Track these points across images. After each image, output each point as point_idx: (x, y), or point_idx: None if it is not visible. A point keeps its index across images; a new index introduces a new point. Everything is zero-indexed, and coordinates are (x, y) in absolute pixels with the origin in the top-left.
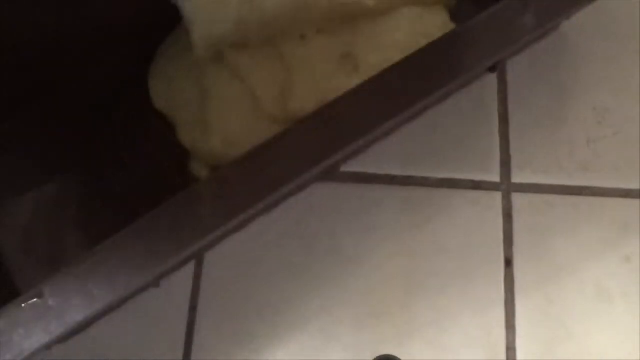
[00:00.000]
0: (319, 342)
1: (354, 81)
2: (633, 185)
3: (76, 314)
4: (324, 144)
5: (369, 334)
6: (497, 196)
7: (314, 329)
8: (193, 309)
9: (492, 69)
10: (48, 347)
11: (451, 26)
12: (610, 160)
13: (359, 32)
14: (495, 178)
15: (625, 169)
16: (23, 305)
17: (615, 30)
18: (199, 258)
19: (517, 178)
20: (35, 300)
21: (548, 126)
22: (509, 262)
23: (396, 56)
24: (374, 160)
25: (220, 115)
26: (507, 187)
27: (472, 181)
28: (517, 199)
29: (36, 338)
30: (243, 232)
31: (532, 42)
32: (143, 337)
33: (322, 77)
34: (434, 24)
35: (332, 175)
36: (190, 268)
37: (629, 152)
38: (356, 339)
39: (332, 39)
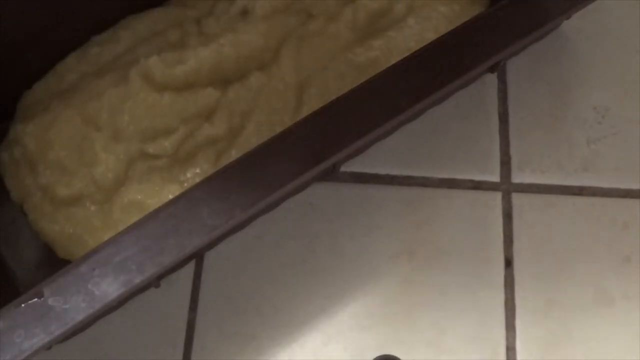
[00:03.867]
0: (319, 342)
1: None
2: (633, 185)
3: (76, 314)
4: (324, 143)
5: (369, 334)
6: (497, 196)
7: (314, 329)
8: (193, 309)
9: (492, 69)
10: (48, 347)
11: None
12: (610, 160)
13: (385, 36)
14: (495, 178)
15: (625, 169)
16: (23, 305)
17: (615, 30)
18: (199, 258)
19: (517, 178)
20: (35, 300)
21: (548, 126)
22: (509, 262)
23: None
24: (374, 160)
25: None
26: (507, 187)
27: (472, 181)
28: (517, 199)
29: (36, 338)
30: (243, 232)
31: (532, 42)
32: (143, 337)
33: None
34: None
35: (332, 175)
36: (190, 268)
37: (629, 152)
38: (356, 339)
39: (352, 47)
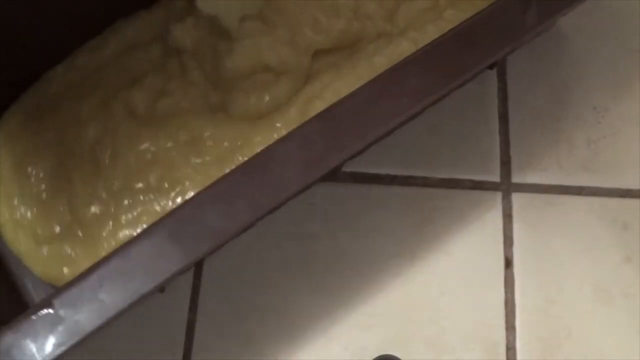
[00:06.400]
0: (319, 342)
1: None
2: (633, 185)
3: (87, 325)
4: (326, 147)
5: (369, 334)
6: (497, 196)
7: (314, 329)
8: (193, 310)
9: (491, 66)
10: (60, 358)
11: None
12: (610, 160)
13: (421, 31)
14: (495, 178)
15: (625, 169)
16: (34, 317)
17: (615, 30)
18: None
19: (517, 178)
20: (45, 311)
21: (548, 126)
22: (509, 262)
23: None
24: (374, 160)
25: None
26: (507, 187)
27: (472, 181)
28: (517, 199)
29: (48, 350)
30: (243, 232)
31: (532, 38)
32: (143, 338)
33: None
34: None
35: (332, 175)
36: (190, 269)
37: (629, 152)
38: (356, 339)
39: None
